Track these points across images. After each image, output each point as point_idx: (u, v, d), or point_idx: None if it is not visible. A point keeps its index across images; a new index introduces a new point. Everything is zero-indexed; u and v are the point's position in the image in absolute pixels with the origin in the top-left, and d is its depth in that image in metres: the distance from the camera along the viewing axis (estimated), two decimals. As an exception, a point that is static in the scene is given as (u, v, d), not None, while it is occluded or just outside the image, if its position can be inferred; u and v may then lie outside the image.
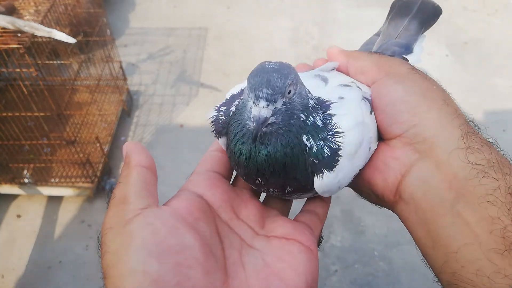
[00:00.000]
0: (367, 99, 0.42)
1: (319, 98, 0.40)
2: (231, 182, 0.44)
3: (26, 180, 1.89)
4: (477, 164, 0.35)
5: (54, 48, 1.95)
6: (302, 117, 0.37)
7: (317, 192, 0.39)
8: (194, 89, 2.57)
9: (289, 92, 0.35)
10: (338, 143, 0.37)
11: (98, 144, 1.94)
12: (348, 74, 0.48)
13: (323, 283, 1.67)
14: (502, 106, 2.44)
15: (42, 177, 1.91)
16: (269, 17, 3.16)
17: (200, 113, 2.38)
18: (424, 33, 0.52)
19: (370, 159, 0.41)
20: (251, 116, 0.35)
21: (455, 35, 2.97)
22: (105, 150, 2.02)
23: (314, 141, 0.37)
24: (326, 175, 0.37)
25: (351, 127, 0.38)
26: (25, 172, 1.91)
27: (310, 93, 0.39)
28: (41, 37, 1.58)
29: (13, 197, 1.96)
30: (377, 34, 0.54)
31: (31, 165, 1.91)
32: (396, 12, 0.53)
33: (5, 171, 1.87)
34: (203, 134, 2.23)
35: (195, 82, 2.62)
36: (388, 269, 1.73)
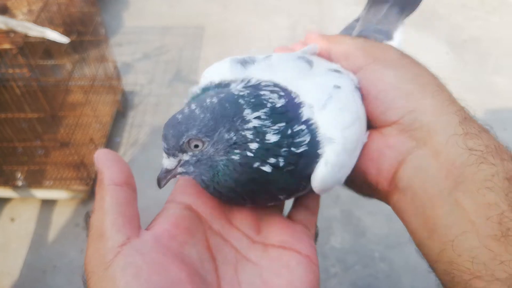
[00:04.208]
0: (357, 87, 0.41)
1: (274, 108, 0.35)
2: None
3: (19, 183, 1.86)
4: (476, 150, 0.34)
5: (48, 48, 1.92)
6: (235, 158, 0.34)
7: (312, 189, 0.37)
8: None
9: (196, 146, 0.34)
10: (318, 140, 0.35)
11: (92, 146, 1.92)
12: (329, 59, 0.45)
13: (323, 286, 1.65)
14: (502, 104, 2.42)
15: (35, 180, 1.88)
16: (266, 15, 3.14)
17: (197, 113, 2.35)
18: (404, 20, 0.51)
19: (363, 149, 0.39)
20: None
21: (455, 33, 2.96)
22: (100, 151, 1.99)
23: (275, 157, 0.34)
24: (319, 171, 0.35)
25: (351, 123, 0.37)
26: (18, 174, 1.88)
27: (261, 118, 0.34)
28: (34, 37, 1.55)
29: (6, 200, 1.93)
30: (357, 20, 0.53)
31: (25, 168, 1.88)
32: None
33: (-2, 174, 1.84)
34: (200, 135, 2.21)
35: (192, 81, 2.59)
36: (389, 270, 1.71)
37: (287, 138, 0.34)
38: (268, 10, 3.21)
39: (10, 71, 1.56)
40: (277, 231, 0.37)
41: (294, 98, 0.37)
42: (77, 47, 2.01)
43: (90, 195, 1.90)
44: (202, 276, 0.32)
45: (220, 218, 0.37)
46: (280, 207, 0.42)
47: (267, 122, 0.34)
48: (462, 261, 0.32)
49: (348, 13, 3.11)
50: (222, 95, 0.35)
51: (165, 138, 0.35)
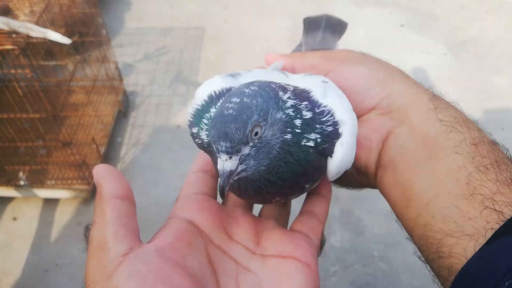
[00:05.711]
0: None
1: (295, 91, 0.37)
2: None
3: (22, 182, 1.88)
4: (445, 120, 0.38)
5: (50, 49, 1.93)
6: (288, 137, 0.34)
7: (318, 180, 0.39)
8: (191, 90, 2.55)
9: (256, 134, 0.32)
10: (337, 120, 0.37)
11: (94, 146, 1.93)
12: (294, 73, 0.48)
13: (323, 284, 1.66)
14: (500, 104, 2.43)
15: (38, 179, 1.89)
16: (266, 16, 3.15)
17: (198, 113, 2.36)
18: (339, 40, 0.57)
19: None
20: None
21: (453, 34, 2.97)
22: (102, 151, 2.00)
23: (315, 133, 0.35)
24: (338, 151, 0.37)
25: (351, 108, 0.39)
26: (20, 174, 1.89)
27: (291, 98, 0.35)
28: (36, 37, 1.56)
29: (9, 199, 1.95)
30: (300, 45, 0.58)
31: (27, 167, 1.90)
32: (308, 27, 0.57)
33: (1, 174, 1.85)
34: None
35: (192, 82, 2.61)
36: (387, 269, 1.72)
37: (318, 115, 0.36)
38: (268, 11, 3.22)
39: (12, 71, 1.57)
40: (275, 241, 0.38)
41: (298, 86, 0.38)
42: (78, 48, 2.02)
43: (91, 194, 1.91)
44: (204, 287, 0.32)
45: (220, 232, 0.37)
46: (282, 220, 0.42)
47: (297, 101, 0.35)
48: (435, 221, 0.35)
49: (347, 14, 3.12)
50: (256, 83, 0.34)
51: (226, 135, 0.31)
